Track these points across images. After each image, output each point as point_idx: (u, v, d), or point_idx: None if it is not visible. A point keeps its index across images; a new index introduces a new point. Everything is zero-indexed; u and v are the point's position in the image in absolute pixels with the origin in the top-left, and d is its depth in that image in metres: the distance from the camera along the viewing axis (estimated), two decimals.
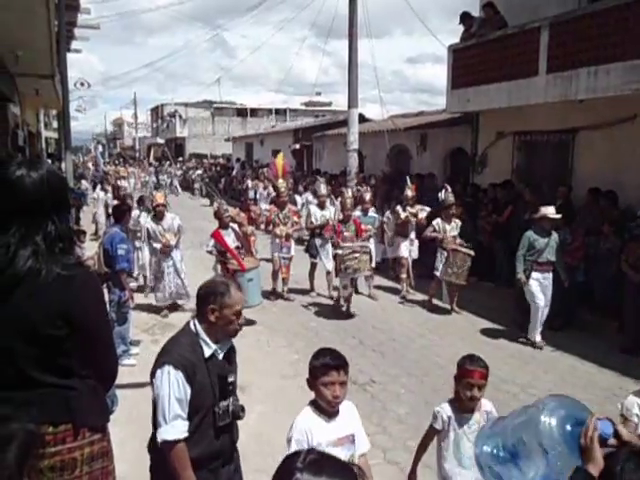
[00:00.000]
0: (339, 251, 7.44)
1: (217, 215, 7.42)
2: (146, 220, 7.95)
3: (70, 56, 16.67)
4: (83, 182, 19.11)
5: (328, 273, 8.64)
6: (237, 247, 7.21)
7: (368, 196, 9.00)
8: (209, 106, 43.10)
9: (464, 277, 7.66)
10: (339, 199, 8.71)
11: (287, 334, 7.07)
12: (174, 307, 7.84)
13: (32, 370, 1.88)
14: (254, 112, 44.38)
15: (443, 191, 8.06)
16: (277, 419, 4.74)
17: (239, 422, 4.62)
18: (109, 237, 5.82)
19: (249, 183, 19.31)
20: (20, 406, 1.75)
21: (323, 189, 9.00)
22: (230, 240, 7.13)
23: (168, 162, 30.52)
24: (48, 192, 1.92)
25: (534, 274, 6.60)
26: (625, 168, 8.19)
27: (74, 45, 16.75)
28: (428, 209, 8.94)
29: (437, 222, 7.93)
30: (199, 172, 27.24)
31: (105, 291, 5.92)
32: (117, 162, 30.14)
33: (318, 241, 8.56)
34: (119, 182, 13.95)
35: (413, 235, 8.97)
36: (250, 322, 6.96)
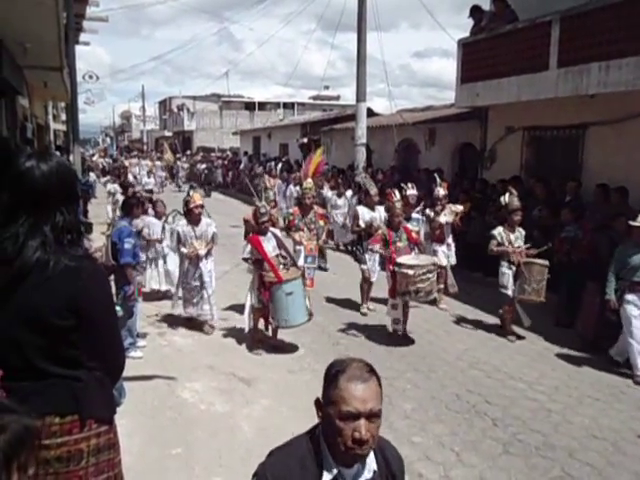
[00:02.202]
0: (409, 271, 5.99)
1: (254, 218, 6.42)
2: (177, 223, 7.04)
3: (78, 49, 16.73)
4: (91, 174, 19.18)
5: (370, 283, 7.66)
6: (280, 256, 6.19)
7: (412, 193, 7.76)
8: (217, 99, 43.12)
9: (544, 292, 6.46)
10: (385, 203, 7.18)
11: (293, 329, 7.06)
12: (198, 325, 6.80)
13: (39, 361, 1.89)
14: (262, 106, 44.37)
15: (507, 195, 6.81)
16: (282, 413, 4.75)
17: (244, 416, 4.63)
18: (117, 230, 5.82)
19: (266, 178, 18.62)
20: (27, 396, 1.76)
21: (373, 188, 7.93)
22: (270, 247, 6.11)
23: (171, 156, 30.50)
24: (57, 184, 1.93)
25: (629, 296, 5.65)
26: (636, 164, 8.11)
27: (82, 37, 16.78)
28: (461, 207, 8.13)
29: (499, 232, 6.70)
30: (203, 166, 27.12)
31: (112, 284, 5.94)
32: (123, 154, 30.14)
33: (366, 245, 7.35)
34: (129, 174, 13.95)
35: (450, 239, 8.08)
36: (293, 347, 6.26)
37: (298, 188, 15.20)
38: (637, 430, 4.53)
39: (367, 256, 7.39)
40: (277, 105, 43.80)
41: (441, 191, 7.90)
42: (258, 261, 6.07)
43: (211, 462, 3.99)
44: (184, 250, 6.54)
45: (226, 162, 28.00)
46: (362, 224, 7.53)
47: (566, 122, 9.36)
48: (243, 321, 6.27)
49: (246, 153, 27.39)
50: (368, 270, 7.48)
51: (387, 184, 12.23)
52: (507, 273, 6.60)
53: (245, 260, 6.36)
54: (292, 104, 44.52)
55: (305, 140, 21.45)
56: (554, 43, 8.44)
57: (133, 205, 6.22)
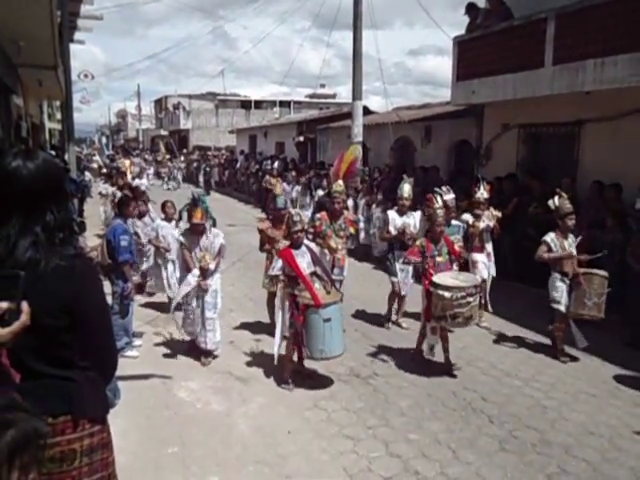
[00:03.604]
0: (445, 293, 5.21)
1: (286, 229, 5.63)
2: (176, 233, 6.45)
3: (73, 47, 16.65)
4: (86, 174, 19.11)
5: (401, 297, 7.01)
6: (315, 274, 5.37)
7: (450, 197, 6.83)
8: (213, 98, 43.02)
9: (604, 308, 5.82)
10: (426, 211, 6.17)
11: None
12: (205, 352, 5.88)
13: (32, 361, 1.87)
14: (258, 104, 44.30)
15: (556, 197, 6.20)
16: (279, 411, 4.75)
17: (241, 415, 4.62)
18: (111, 229, 5.82)
19: (271, 181, 16.55)
20: (22, 397, 1.75)
21: (407, 191, 6.94)
22: (305, 264, 5.25)
23: (167, 155, 30.44)
24: (45, 181, 1.90)
25: None
26: (631, 161, 8.12)
27: (77, 36, 16.70)
28: (499, 214, 7.37)
29: (551, 238, 6.03)
30: (203, 166, 26.97)
31: (108, 283, 5.93)
32: (117, 153, 29.91)
33: (398, 254, 6.70)
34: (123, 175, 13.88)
35: (490, 247, 7.29)
36: (327, 380, 5.39)
37: (298, 187, 15.07)
38: (633, 426, 4.54)
39: (398, 266, 6.74)
40: (273, 103, 43.76)
41: (484, 194, 7.15)
42: (290, 279, 5.22)
43: (207, 461, 3.98)
44: (187, 255, 5.82)
45: (222, 161, 27.96)
46: (393, 231, 6.80)
47: (562, 119, 9.37)
48: (239, 318, 6.21)
49: (242, 152, 27.34)
50: (398, 283, 6.85)
51: (384, 182, 12.27)
52: (560, 286, 5.94)
53: (273, 278, 5.58)
54: (288, 102, 44.48)
55: (301, 139, 21.43)
56: (549, 40, 8.45)
57: (128, 204, 6.20)
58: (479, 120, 11.69)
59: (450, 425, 4.55)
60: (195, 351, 5.90)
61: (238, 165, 25.21)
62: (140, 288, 7.98)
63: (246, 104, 44.16)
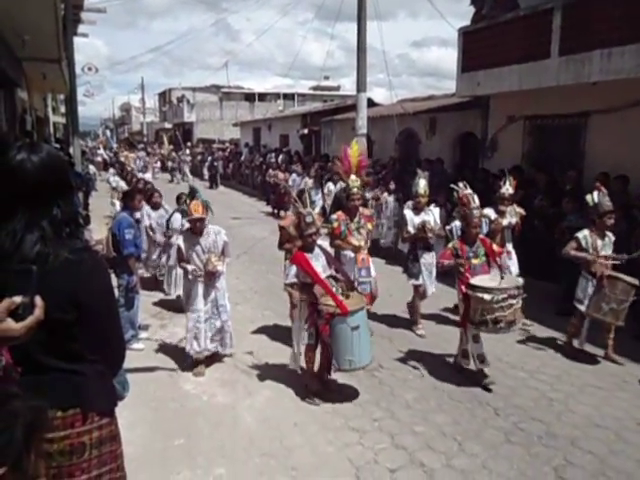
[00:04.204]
0: (485, 296, 4.81)
1: (297, 230, 5.09)
2: (179, 235, 5.83)
3: (77, 40, 16.63)
4: (91, 167, 19.15)
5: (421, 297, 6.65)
6: (332, 277, 4.91)
7: (469, 193, 6.30)
8: (217, 91, 42.93)
9: (624, 316, 5.52)
10: (458, 208, 5.93)
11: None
12: (212, 358, 5.56)
13: (41, 355, 1.88)
14: (262, 97, 44.18)
15: (595, 193, 5.79)
16: (285, 404, 4.77)
17: (247, 407, 4.64)
18: (117, 222, 5.83)
19: (279, 175, 16.73)
20: (28, 391, 1.75)
21: (423, 187, 6.53)
22: (320, 267, 4.80)
23: (171, 147, 30.42)
24: (50, 174, 1.90)
25: None
26: (638, 152, 8.07)
27: (80, 29, 16.69)
28: (522, 211, 7.10)
29: (584, 235, 5.67)
30: (209, 159, 26.85)
31: (113, 276, 5.95)
32: (121, 146, 29.84)
33: (422, 254, 6.47)
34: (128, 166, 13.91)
35: (510, 246, 6.94)
36: (353, 391, 5.00)
37: (309, 181, 14.66)
38: (639, 418, 4.53)
39: (422, 268, 6.43)
40: (277, 96, 43.61)
41: (510, 189, 6.79)
42: (306, 286, 4.75)
43: (213, 452, 4.00)
44: (189, 268, 5.23)
45: (227, 154, 27.94)
46: (411, 230, 6.47)
47: (568, 111, 9.30)
48: (245, 311, 6.19)
49: (247, 144, 27.31)
50: (423, 286, 6.49)
51: (388, 175, 12.24)
52: (585, 285, 5.68)
53: (290, 286, 4.97)
54: (292, 95, 44.32)
55: (306, 131, 21.37)
56: (555, 31, 8.38)
57: (134, 196, 6.21)
58: (484, 112, 11.63)
59: (456, 417, 4.55)
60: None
61: (242, 158, 25.19)
62: (155, 283, 8.08)
63: (250, 97, 44.05)
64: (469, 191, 6.25)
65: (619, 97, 8.26)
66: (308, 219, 4.76)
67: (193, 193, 5.37)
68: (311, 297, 4.70)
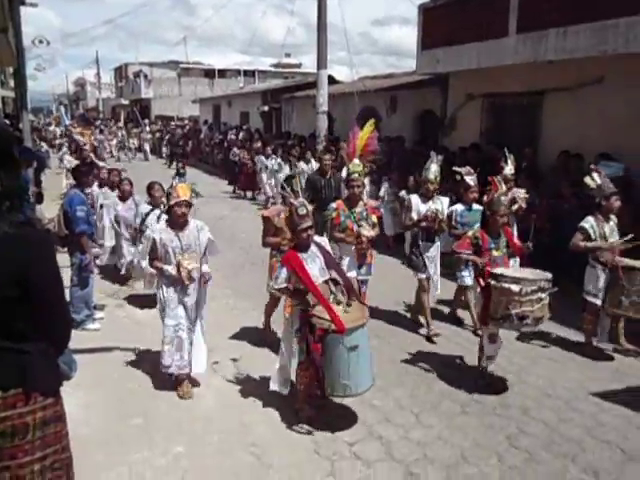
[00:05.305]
0: (512, 286, 4.26)
1: (288, 224, 4.30)
2: (154, 227, 4.79)
3: (25, 11, 15.86)
4: (43, 144, 18.51)
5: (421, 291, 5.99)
6: (330, 281, 4.17)
7: (472, 177, 6.06)
8: (175, 66, 41.84)
9: None
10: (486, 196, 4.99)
11: (255, 298, 7.02)
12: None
13: None
14: (222, 73, 43.30)
15: (595, 174, 5.33)
16: (244, 382, 4.74)
17: (206, 385, 4.57)
18: (68, 199, 5.63)
19: (236, 151, 16.78)
20: None
21: (434, 172, 5.82)
22: (316, 270, 4.04)
23: (132, 124, 29.65)
24: None
25: None
26: (591, 130, 8.25)
27: None
28: (524, 192, 6.49)
29: (590, 224, 5.24)
30: (167, 137, 26.18)
31: (67, 255, 5.78)
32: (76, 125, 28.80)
33: (425, 246, 5.85)
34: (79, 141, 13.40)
35: (515, 230, 6.25)
36: (353, 416, 4.22)
37: (274, 162, 14.10)
38: (589, 388, 4.69)
39: (427, 261, 5.82)
40: (238, 73, 42.81)
41: (512, 169, 6.13)
42: (298, 292, 4.00)
43: (172, 431, 3.97)
44: (167, 268, 4.36)
45: (186, 131, 27.38)
46: (415, 217, 5.79)
47: (525, 89, 9.42)
48: (215, 289, 5.90)
49: (206, 122, 26.84)
50: (428, 279, 5.90)
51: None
52: (597, 277, 5.26)
53: (280, 291, 4.25)
54: (253, 72, 43.57)
55: (266, 108, 21.12)
56: (513, 9, 8.44)
57: (84, 172, 5.97)
58: (444, 90, 11.68)
59: (413, 391, 4.63)
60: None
61: (202, 135, 24.75)
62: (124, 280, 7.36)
63: (210, 73, 43.11)
64: (474, 175, 6.04)
65: (574, 76, 8.40)
66: (301, 211, 3.98)
67: (180, 173, 4.61)
68: (304, 304, 3.96)
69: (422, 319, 6.02)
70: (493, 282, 4.39)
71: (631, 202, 6.39)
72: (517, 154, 9.06)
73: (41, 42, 23.59)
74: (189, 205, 4.41)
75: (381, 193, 9.74)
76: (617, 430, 4.05)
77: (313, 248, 4.10)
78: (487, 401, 4.45)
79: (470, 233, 4.82)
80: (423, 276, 5.85)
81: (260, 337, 5.63)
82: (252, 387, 4.62)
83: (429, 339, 5.77)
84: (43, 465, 1.90)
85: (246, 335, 5.75)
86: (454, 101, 11.39)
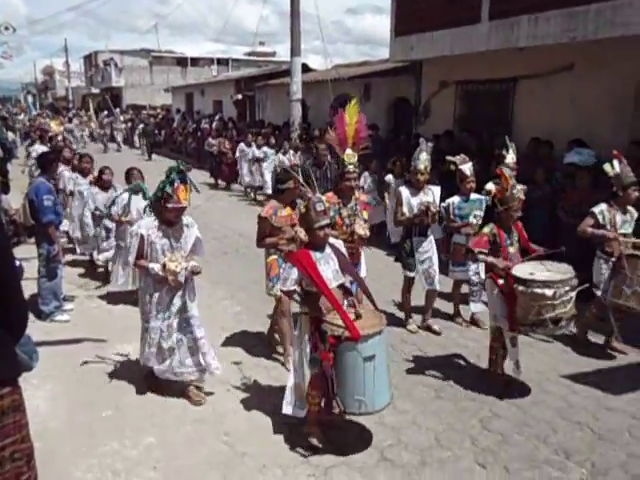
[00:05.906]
0: (546, 291, 3.94)
1: (302, 222, 3.97)
2: (140, 222, 4.34)
3: None
4: (10, 134, 18.05)
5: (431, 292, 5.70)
6: (343, 288, 3.76)
7: (468, 166, 5.75)
8: (147, 55, 41.07)
9: None
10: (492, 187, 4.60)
11: (229, 287, 6.96)
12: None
13: None
14: (195, 62, 42.65)
15: (615, 162, 4.95)
16: (217, 372, 4.68)
17: None
18: (34, 188, 5.46)
19: (212, 142, 16.01)
20: None
21: (424, 161, 5.46)
22: (330, 273, 3.63)
23: (105, 113, 29.03)
24: None
25: None
26: (561, 117, 8.33)
27: None
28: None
29: (600, 210, 5.02)
30: (140, 126, 25.56)
31: (33, 246, 5.64)
32: (46, 114, 28.01)
33: (418, 241, 5.56)
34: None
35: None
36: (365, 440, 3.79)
37: (259, 151, 13.58)
38: (560, 370, 4.75)
39: (418, 257, 5.53)
40: (211, 61, 42.21)
41: (514, 157, 5.15)
42: (310, 296, 3.62)
43: (143, 422, 3.90)
44: (153, 267, 4.02)
45: (158, 120, 26.96)
46: (407, 212, 5.46)
47: (497, 76, 9.46)
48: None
49: (179, 111, 26.45)
50: (417, 278, 5.66)
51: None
52: (602, 267, 5.08)
53: (288, 294, 3.77)
54: (226, 60, 43.03)
55: (240, 96, 20.89)
56: None
57: (52, 160, 5.81)
58: (417, 77, 11.68)
59: None
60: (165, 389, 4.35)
61: (175, 124, 24.40)
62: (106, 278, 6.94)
63: (182, 61, 42.41)
64: (470, 164, 5.75)
65: (545, 63, 8.46)
66: (319, 207, 3.60)
67: (183, 175, 4.03)
68: (316, 311, 3.57)
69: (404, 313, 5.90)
70: (521, 287, 4.04)
71: (600, 189, 6.48)
72: (490, 140, 9.19)
73: (7, 29, 22.96)
74: (184, 209, 4.12)
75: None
76: (587, 411, 4.12)
77: (328, 249, 3.72)
78: (460, 386, 4.48)
79: (486, 230, 4.47)
80: (412, 274, 5.63)
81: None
82: (225, 375, 4.57)
83: (429, 329, 5.66)
84: (2, 456, 1.83)
85: (219, 323, 5.69)
86: (428, 89, 11.39)
